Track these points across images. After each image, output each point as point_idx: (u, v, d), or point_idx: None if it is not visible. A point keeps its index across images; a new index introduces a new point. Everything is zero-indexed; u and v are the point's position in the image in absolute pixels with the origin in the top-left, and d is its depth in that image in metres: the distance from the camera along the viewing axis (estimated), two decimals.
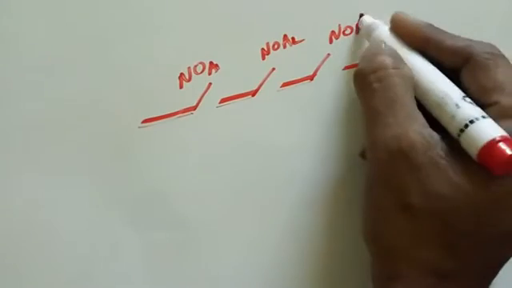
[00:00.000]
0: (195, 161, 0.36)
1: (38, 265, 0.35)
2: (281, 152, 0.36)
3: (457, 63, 0.33)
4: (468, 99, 0.31)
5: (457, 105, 0.31)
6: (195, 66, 0.35)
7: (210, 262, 0.36)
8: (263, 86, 0.36)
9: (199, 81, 0.35)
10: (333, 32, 0.36)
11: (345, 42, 0.37)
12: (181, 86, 0.35)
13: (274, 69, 0.36)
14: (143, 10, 0.34)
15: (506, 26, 0.39)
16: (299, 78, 0.36)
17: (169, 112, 0.35)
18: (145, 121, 0.35)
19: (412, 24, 0.34)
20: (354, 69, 0.36)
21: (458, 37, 0.34)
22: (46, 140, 0.34)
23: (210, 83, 0.35)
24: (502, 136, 0.29)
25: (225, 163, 0.36)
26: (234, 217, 0.36)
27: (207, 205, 0.36)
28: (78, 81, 0.34)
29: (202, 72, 0.35)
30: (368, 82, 0.33)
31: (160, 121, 0.35)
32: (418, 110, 0.32)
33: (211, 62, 0.35)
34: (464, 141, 0.30)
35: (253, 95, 0.36)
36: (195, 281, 0.36)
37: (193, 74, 0.35)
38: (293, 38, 0.36)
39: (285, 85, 0.36)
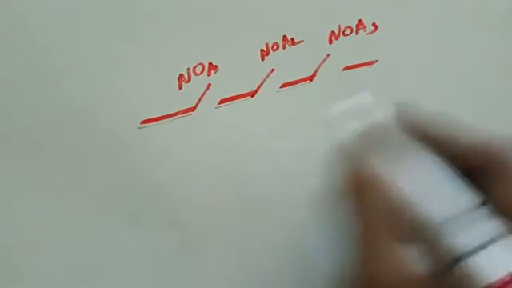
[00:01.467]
0: (194, 161, 0.36)
1: (37, 265, 0.35)
2: (280, 153, 0.36)
3: (473, 164, 0.29)
4: (471, 216, 0.27)
5: (448, 234, 0.27)
6: (194, 67, 0.35)
7: (210, 263, 0.36)
8: (262, 86, 0.36)
9: (198, 82, 0.35)
10: (332, 33, 0.36)
11: (344, 43, 0.36)
12: (180, 87, 0.35)
13: (273, 69, 0.36)
14: (143, 11, 0.34)
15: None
16: (298, 78, 0.36)
17: (168, 113, 0.35)
18: (144, 121, 0.35)
19: (422, 120, 0.30)
20: (354, 69, 0.37)
21: (475, 133, 0.29)
22: (44, 140, 0.34)
23: (210, 84, 0.35)
24: (500, 280, 0.25)
25: (224, 164, 0.36)
26: (233, 217, 0.36)
27: (207, 205, 0.36)
28: (76, 81, 0.34)
29: (201, 73, 0.35)
30: (352, 197, 0.30)
31: (159, 121, 0.35)
32: (401, 242, 0.28)
33: (210, 63, 0.35)
34: (454, 279, 0.26)
35: (252, 96, 0.36)
36: (195, 281, 0.36)
37: (192, 74, 0.35)
38: (292, 39, 0.36)
39: (284, 85, 0.36)
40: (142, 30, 0.34)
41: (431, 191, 0.28)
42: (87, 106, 0.34)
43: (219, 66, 0.35)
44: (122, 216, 0.35)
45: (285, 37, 0.36)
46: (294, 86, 0.36)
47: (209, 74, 0.35)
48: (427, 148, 0.29)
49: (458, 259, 0.26)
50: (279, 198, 0.36)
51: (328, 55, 0.36)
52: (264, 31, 0.36)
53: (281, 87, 0.36)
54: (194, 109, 0.35)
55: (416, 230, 0.28)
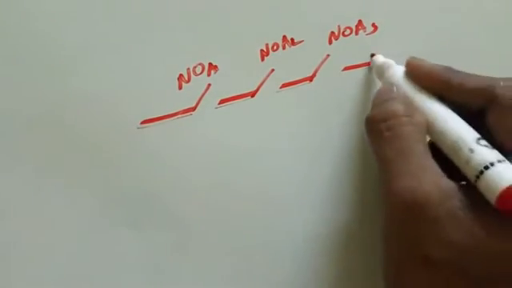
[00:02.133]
0: (194, 161, 0.36)
1: (37, 265, 0.35)
2: (280, 153, 0.36)
3: (480, 105, 0.32)
4: (483, 142, 0.30)
5: (470, 149, 0.30)
6: (194, 67, 0.35)
7: (210, 263, 0.36)
8: (262, 86, 0.36)
9: (198, 82, 0.35)
10: (332, 33, 0.36)
11: (344, 43, 0.36)
12: (180, 87, 0.35)
13: (273, 70, 0.36)
14: (143, 11, 0.34)
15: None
16: (298, 78, 0.36)
17: (168, 113, 0.35)
18: (144, 121, 0.35)
19: (429, 69, 0.34)
20: (354, 69, 0.37)
21: (479, 77, 0.33)
22: (45, 140, 0.34)
23: (209, 84, 0.35)
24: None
25: (224, 164, 0.36)
26: (233, 217, 0.36)
27: (206, 205, 0.36)
28: (77, 81, 0.34)
29: (201, 73, 0.35)
30: (379, 130, 0.32)
31: (159, 121, 0.35)
32: (431, 159, 0.31)
33: (210, 63, 0.35)
34: (481, 187, 0.29)
35: (252, 96, 0.36)
36: (194, 281, 0.36)
37: (192, 75, 0.35)
38: (292, 39, 0.36)
39: (284, 86, 0.36)
40: (141, 29, 0.34)
41: (444, 120, 0.32)
42: (87, 106, 0.34)
43: (219, 66, 0.35)
44: (120, 215, 0.35)
45: (285, 37, 0.36)
46: (294, 86, 0.36)
47: (209, 74, 0.35)
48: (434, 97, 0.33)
49: (480, 172, 0.29)
50: (278, 198, 0.37)
51: (328, 55, 0.36)
52: (264, 31, 0.36)
53: (281, 87, 0.36)
54: (194, 109, 0.35)
55: (450, 150, 0.31)
